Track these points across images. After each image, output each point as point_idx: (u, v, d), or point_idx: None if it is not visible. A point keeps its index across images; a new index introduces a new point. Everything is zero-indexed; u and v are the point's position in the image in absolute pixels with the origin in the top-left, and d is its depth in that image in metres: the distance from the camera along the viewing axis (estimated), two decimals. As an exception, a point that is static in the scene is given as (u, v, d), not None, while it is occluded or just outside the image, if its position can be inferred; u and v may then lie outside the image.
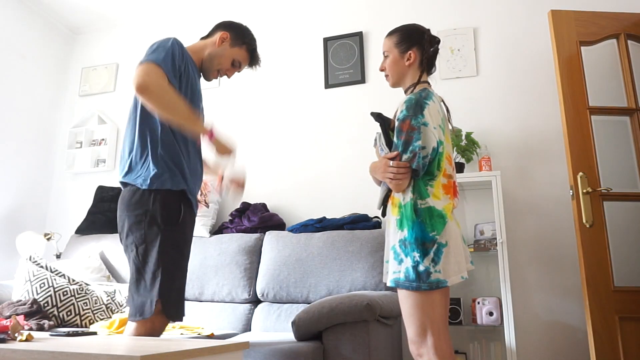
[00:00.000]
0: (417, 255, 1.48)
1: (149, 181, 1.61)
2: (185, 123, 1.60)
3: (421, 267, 1.47)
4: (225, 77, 1.92)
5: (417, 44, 1.68)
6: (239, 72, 1.93)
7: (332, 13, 3.45)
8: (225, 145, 1.68)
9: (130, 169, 1.66)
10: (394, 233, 1.57)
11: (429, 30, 1.74)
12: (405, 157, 1.53)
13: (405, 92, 1.73)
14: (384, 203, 1.67)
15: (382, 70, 1.76)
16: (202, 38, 1.91)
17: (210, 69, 1.85)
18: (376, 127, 1.75)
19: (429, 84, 1.73)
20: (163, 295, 1.55)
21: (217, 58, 1.84)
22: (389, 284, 1.56)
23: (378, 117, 1.70)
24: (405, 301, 1.52)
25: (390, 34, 1.75)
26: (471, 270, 2.72)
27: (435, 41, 1.72)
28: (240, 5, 3.68)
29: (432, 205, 1.53)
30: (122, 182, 1.69)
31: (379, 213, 2.90)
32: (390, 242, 1.59)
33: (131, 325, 1.58)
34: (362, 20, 3.36)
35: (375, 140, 1.74)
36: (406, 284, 1.49)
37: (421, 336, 1.50)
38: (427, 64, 1.71)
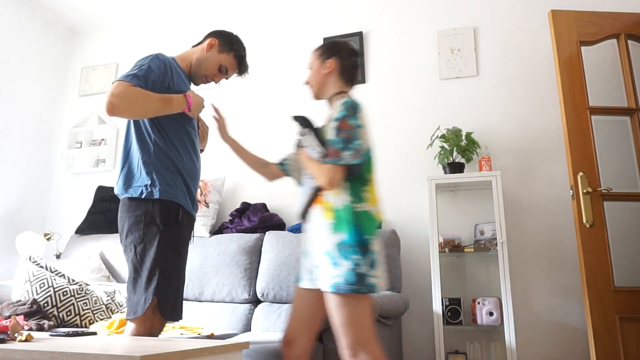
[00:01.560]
0: (357, 257, 1.48)
1: (144, 193, 1.64)
2: (164, 110, 1.65)
3: (360, 270, 1.47)
4: (212, 82, 1.94)
5: (335, 54, 1.75)
6: (226, 79, 1.96)
7: (332, 13, 3.45)
8: (199, 104, 1.76)
9: (124, 182, 1.69)
10: (328, 236, 1.53)
11: (346, 42, 1.82)
12: (347, 153, 1.53)
13: (329, 100, 1.76)
14: (308, 207, 1.65)
15: (306, 83, 1.81)
16: (194, 46, 1.94)
17: (198, 74, 1.88)
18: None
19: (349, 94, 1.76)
20: (159, 294, 1.56)
21: (205, 63, 1.86)
22: (328, 290, 1.49)
23: (304, 119, 1.72)
24: (341, 309, 1.48)
25: (315, 49, 1.81)
26: (471, 270, 2.73)
27: (354, 54, 1.78)
28: (240, 6, 3.68)
29: (368, 209, 1.55)
30: (118, 194, 1.72)
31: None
32: (324, 247, 1.54)
33: (130, 325, 1.59)
34: (362, 20, 3.36)
35: (297, 145, 1.73)
36: (347, 287, 1.46)
37: (361, 345, 1.47)
38: (346, 74, 1.75)
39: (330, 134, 1.59)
